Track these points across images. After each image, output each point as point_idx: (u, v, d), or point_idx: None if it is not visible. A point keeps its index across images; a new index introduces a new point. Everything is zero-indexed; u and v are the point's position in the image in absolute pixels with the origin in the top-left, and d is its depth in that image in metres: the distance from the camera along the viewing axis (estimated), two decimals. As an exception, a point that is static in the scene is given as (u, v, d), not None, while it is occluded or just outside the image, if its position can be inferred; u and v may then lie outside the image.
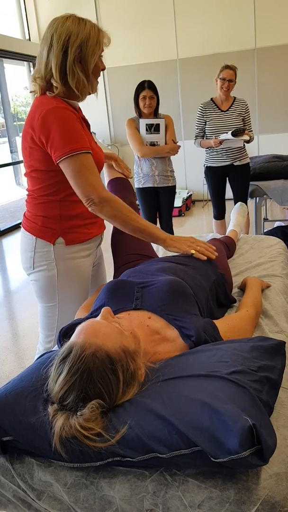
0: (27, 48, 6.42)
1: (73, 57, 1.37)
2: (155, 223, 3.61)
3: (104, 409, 0.90)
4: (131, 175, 1.95)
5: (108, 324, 1.02)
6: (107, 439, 0.85)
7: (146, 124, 3.33)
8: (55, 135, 1.35)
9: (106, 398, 0.91)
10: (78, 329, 1.00)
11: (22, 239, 1.59)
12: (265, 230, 3.97)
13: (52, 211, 1.52)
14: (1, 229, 5.97)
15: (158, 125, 3.33)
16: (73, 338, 0.98)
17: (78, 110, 1.52)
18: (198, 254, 1.54)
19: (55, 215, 1.52)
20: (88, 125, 1.59)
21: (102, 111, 6.84)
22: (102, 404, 0.90)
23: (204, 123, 3.69)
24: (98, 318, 1.06)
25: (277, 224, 4.34)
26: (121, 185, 1.94)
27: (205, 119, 3.67)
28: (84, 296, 1.64)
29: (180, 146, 3.44)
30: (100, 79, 5.22)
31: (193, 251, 1.54)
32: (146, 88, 3.27)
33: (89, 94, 1.51)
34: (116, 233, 1.82)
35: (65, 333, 1.18)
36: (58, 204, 1.51)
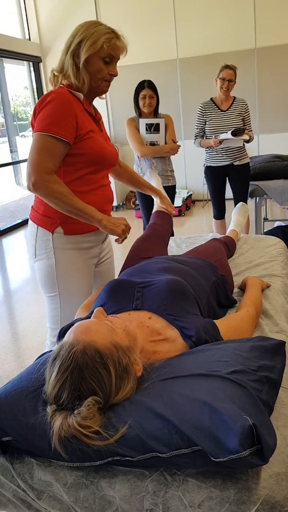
0: (27, 48, 6.42)
1: (72, 51, 1.49)
2: None
3: (101, 405, 0.90)
4: (173, 212, 2.08)
5: (99, 322, 1.02)
6: (106, 438, 0.85)
7: (146, 124, 3.33)
8: (46, 111, 1.44)
9: (100, 393, 0.91)
10: (70, 329, 1.01)
11: (28, 228, 1.66)
12: (265, 230, 3.97)
13: None
14: (1, 229, 5.97)
15: (158, 124, 3.33)
16: (65, 338, 1.00)
17: (84, 103, 1.55)
18: (119, 240, 1.57)
19: None
20: (96, 119, 1.62)
21: (102, 111, 6.83)
22: (98, 400, 0.90)
23: (204, 123, 3.69)
24: (91, 318, 1.07)
25: (277, 224, 4.34)
26: (163, 217, 2.08)
27: (205, 119, 3.67)
28: (85, 290, 1.66)
29: (180, 146, 3.43)
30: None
31: (120, 240, 1.57)
32: (146, 87, 3.27)
33: (99, 93, 1.60)
34: (138, 241, 1.89)
35: (64, 334, 1.18)
36: None
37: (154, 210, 2.15)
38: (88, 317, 1.22)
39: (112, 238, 1.87)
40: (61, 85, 1.54)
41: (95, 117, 1.62)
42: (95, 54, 1.48)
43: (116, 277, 1.90)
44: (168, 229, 2.05)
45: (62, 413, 0.89)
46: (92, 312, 1.27)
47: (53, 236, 1.57)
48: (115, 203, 6.72)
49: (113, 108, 6.79)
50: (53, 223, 1.56)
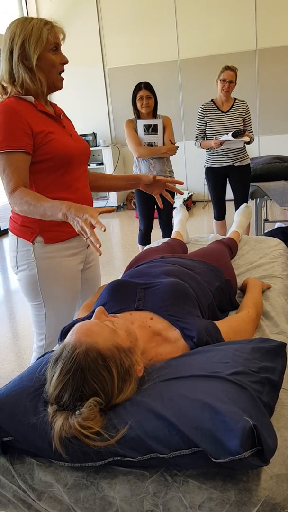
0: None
1: (17, 56, 1.42)
2: (152, 223, 3.61)
3: (102, 406, 0.90)
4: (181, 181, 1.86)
5: (100, 323, 1.02)
6: (106, 439, 0.85)
7: (144, 125, 3.34)
8: None
9: (102, 395, 0.91)
10: (72, 330, 1.01)
11: (8, 239, 1.62)
12: (265, 231, 3.97)
13: None
14: (1, 229, 5.97)
15: (156, 125, 3.34)
16: (66, 339, 0.99)
17: (37, 104, 1.49)
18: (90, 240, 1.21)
19: None
20: (55, 117, 1.56)
21: (103, 112, 6.84)
22: (99, 401, 0.90)
23: (204, 124, 3.69)
24: (92, 318, 1.07)
25: (277, 225, 4.34)
26: (180, 244, 2.09)
27: (205, 120, 3.68)
28: (71, 296, 1.64)
29: (178, 147, 3.44)
30: (101, 79, 5.27)
31: (85, 238, 1.23)
32: (143, 88, 3.30)
33: (55, 89, 1.53)
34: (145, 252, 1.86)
35: (65, 333, 1.18)
36: None
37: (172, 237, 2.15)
38: (90, 316, 1.22)
39: (104, 244, 1.84)
40: (9, 96, 1.46)
41: (54, 116, 1.55)
42: (45, 49, 1.43)
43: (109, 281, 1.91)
44: (181, 250, 2.08)
45: (63, 413, 0.89)
46: (93, 311, 1.27)
47: (34, 246, 1.53)
48: (115, 204, 6.72)
49: (114, 109, 6.79)
50: (33, 233, 1.52)
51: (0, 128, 1.39)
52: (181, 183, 1.69)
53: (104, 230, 1.16)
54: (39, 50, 1.41)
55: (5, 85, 1.47)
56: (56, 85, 1.52)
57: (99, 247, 1.16)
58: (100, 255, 1.25)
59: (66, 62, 1.50)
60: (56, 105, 1.66)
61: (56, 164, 1.48)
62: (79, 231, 1.21)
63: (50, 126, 1.50)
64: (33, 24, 1.41)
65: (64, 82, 1.57)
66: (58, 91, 1.56)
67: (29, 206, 1.34)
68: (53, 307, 1.61)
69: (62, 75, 1.53)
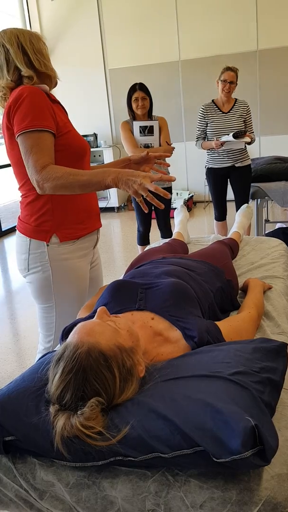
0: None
1: (31, 48, 1.46)
2: (150, 224, 3.61)
3: (104, 406, 0.91)
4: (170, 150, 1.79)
5: (102, 323, 1.02)
6: (108, 438, 0.86)
7: (140, 126, 3.34)
8: (23, 109, 1.37)
9: (104, 395, 0.91)
10: (74, 329, 1.01)
11: (17, 242, 1.59)
12: (266, 232, 3.97)
13: (44, 207, 1.50)
14: (3, 230, 5.98)
15: (152, 127, 3.34)
16: (68, 338, 0.99)
17: (49, 95, 1.51)
18: (142, 201, 1.23)
19: (48, 210, 1.50)
20: (64, 109, 1.59)
21: (104, 112, 6.85)
22: (101, 401, 0.90)
23: (205, 125, 3.70)
24: (94, 318, 1.07)
25: (278, 225, 4.35)
26: (182, 245, 2.08)
27: (206, 120, 3.68)
28: (81, 297, 1.63)
29: (174, 148, 3.44)
30: (102, 80, 5.31)
31: (138, 199, 1.23)
32: (138, 89, 3.30)
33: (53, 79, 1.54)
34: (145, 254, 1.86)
35: (67, 333, 1.18)
36: (49, 198, 1.50)
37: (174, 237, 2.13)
38: (91, 316, 1.22)
39: (105, 245, 1.86)
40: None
41: (64, 108, 1.57)
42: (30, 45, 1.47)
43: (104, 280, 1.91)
44: (182, 251, 2.08)
45: (65, 413, 0.89)
46: (95, 311, 1.27)
47: (48, 248, 1.52)
48: (116, 204, 6.73)
49: (114, 109, 6.80)
50: (48, 232, 1.51)
51: (28, 107, 1.37)
52: (168, 156, 1.66)
53: (168, 197, 1.17)
54: (32, 46, 1.47)
55: (27, 74, 1.46)
56: (55, 75, 1.53)
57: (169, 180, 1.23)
58: (174, 180, 1.27)
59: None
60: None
61: (71, 155, 1.48)
62: (133, 193, 1.20)
63: (64, 118, 1.52)
64: (21, 29, 1.49)
65: (65, 82, 1.59)
66: (60, 92, 1.58)
67: (68, 177, 1.29)
68: (64, 308, 1.60)
69: (62, 76, 1.55)
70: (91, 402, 0.89)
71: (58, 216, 1.52)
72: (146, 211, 1.22)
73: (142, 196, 1.21)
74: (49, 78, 1.51)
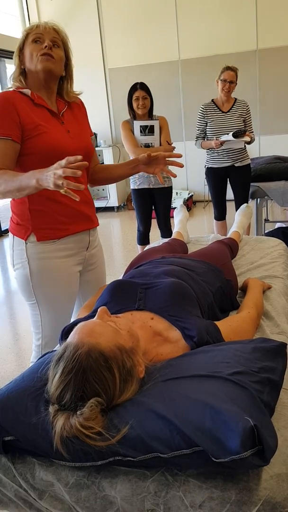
0: (29, 49, 6.41)
1: (17, 54, 1.53)
2: (150, 224, 3.61)
3: (104, 407, 0.91)
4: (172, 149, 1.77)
5: (103, 323, 1.02)
6: (107, 438, 0.86)
7: (140, 126, 3.34)
8: None
9: (103, 396, 0.91)
10: (74, 329, 1.01)
11: (8, 239, 1.64)
12: (266, 231, 3.97)
13: (24, 206, 1.54)
14: (2, 229, 5.97)
15: (152, 126, 3.34)
16: (69, 338, 0.99)
17: (36, 97, 1.51)
18: (68, 191, 1.18)
19: (26, 210, 1.53)
20: (54, 112, 1.56)
21: (104, 112, 6.85)
22: (101, 402, 0.90)
23: (205, 124, 3.70)
24: (95, 318, 1.07)
25: (278, 225, 4.35)
26: (181, 245, 2.08)
27: (206, 120, 3.68)
28: (67, 298, 1.63)
29: (174, 148, 3.44)
30: (101, 79, 5.30)
31: (62, 190, 1.19)
32: (139, 88, 3.29)
33: (44, 74, 1.52)
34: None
35: (67, 333, 1.18)
36: (26, 199, 1.52)
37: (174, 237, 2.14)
38: (91, 316, 1.22)
39: (104, 244, 1.85)
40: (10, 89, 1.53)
41: (52, 110, 1.55)
42: (25, 43, 1.50)
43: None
44: (182, 251, 2.08)
45: (65, 413, 0.89)
46: (94, 311, 1.27)
47: (27, 246, 1.54)
48: (116, 204, 6.72)
49: (114, 109, 6.79)
50: (26, 230, 1.53)
51: None
52: (179, 156, 1.59)
53: (82, 189, 1.14)
54: (21, 44, 1.51)
55: (13, 81, 1.56)
56: (37, 68, 1.50)
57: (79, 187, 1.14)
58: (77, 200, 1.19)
59: (47, 45, 1.48)
60: (63, 101, 1.63)
61: (43, 158, 1.47)
62: (54, 186, 1.17)
63: (43, 120, 1.50)
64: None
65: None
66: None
67: (6, 183, 1.30)
68: (47, 307, 1.61)
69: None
70: (91, 402, 0.89)
71: (36, 216, 1.53)
72: (77, 199, 1.17)
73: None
74: (33, 74, 1.51)
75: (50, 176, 1.16)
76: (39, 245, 1.54)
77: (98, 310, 1.08)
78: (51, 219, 1.55)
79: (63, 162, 1.15)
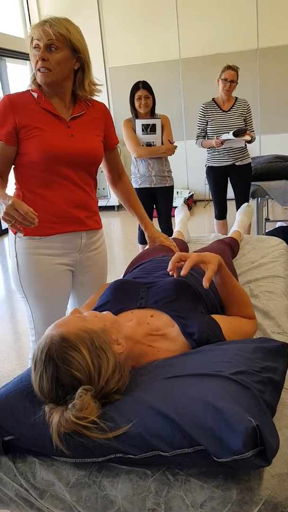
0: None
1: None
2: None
3: (93, 393, 0.90)
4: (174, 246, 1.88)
5: (68, 317, 1.04)
6: (104, 429, 0.85)
7: (142, 125, 3.33)
8: None
9: (79, 375, 0.91)
10: None
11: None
12: (266, 231, 3.97)
13: None
14: (3, 228, 5.97)
15: (154, 125, 3.33)
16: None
17: (44, 101, 1.53)
18: (16, 226, 1.28)
19: None
20: (57, 115, 1.56)
21: (104, 111, 6.84)
22: (88, 388, 0.90)
23: (205, 123, 3.69)
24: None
25: (278, 224, 4.34)
26: (179, 243, 2.10)
27: (206, 119, 3.67)
28: (54, 296, 1.64)
29: (176, 146, 3.43)
30: (102, 78, 5.26)
31: (9, 224, 1.28)
32: (141, 87, 3.29)
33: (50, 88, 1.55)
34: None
35: None
36: (21, 193, 1.59)
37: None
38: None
39: (109, 246, 1.87)
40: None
41: (57, 115, 1.54)
42: (30, 46, 1.50)
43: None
44: (182, 250, 2.08)
45: (58, 410, 0.90)
46: (95, 310, 1.27)
47: (16, 240, 1.59)
48: (116, 203, 6.72)
49: (114, 108, 6.79)
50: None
51: None
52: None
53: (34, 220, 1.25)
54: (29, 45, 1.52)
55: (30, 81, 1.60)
56: (39, 81, 1.53)
57: (30, 223, 1.26)
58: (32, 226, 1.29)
59: (40, 58, 1.47)
60: (77, 107, 1.61)
61: (36, 159, 1.52)
62: (2, 218, 1.26)
63: (43, 123, 1.52)
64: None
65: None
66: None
67: None
68: (36, 303, 1.64)
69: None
70: (79, 392, 0.89)
71: None
72: (22, 234, 1.28)
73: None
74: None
75: (3, 208, 1.26)
76: (26, 240, 1.59)
77: (70, 312, 1.10)
78: (39, 216, 1.53)
79: (10, 202, 1.25)
